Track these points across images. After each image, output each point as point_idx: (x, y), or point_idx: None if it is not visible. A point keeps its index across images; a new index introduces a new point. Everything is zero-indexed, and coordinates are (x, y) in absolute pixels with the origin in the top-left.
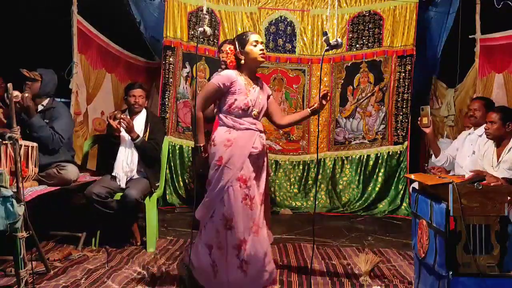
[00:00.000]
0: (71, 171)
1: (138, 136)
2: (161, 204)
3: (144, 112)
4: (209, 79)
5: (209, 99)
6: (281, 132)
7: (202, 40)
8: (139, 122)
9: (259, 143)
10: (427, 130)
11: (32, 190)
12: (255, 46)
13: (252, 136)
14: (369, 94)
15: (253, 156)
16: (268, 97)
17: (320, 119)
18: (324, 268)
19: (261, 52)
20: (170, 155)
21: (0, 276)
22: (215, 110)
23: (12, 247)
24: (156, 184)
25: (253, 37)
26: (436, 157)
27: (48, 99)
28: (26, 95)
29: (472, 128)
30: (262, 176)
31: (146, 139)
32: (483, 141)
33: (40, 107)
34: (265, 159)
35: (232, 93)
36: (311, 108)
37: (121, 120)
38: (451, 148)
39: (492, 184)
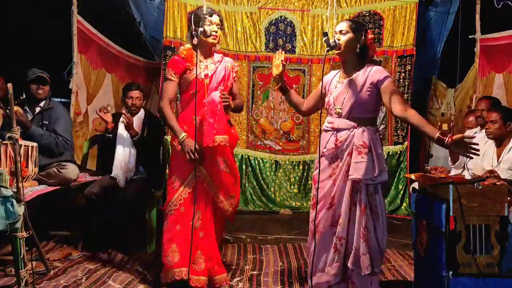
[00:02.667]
0: (71, 170)
1: (137, 133)
2: (161, 204)
3: (142, 113)
4: None
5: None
6: (281, 132)
7: None
8: (138, 123)
9: (331, 143)
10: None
11: (32, 190)
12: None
13: (326, 137)
14: None
15: (326, 157)
16: (373, 85)
17: (320, 119)
18: None
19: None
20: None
21: (0, 276)
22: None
23: (12, 247)
24: (156, 184)
25: (335, 28)
26: (454, 163)
27: (45, 99)
28: (15, 109)
29: (479, 127)
30: (334, 178)
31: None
32: (483, 141)
33: (37, 109)
34: (344, 158)
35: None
36: None
37: (122, 115)
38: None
39: (498, 183)
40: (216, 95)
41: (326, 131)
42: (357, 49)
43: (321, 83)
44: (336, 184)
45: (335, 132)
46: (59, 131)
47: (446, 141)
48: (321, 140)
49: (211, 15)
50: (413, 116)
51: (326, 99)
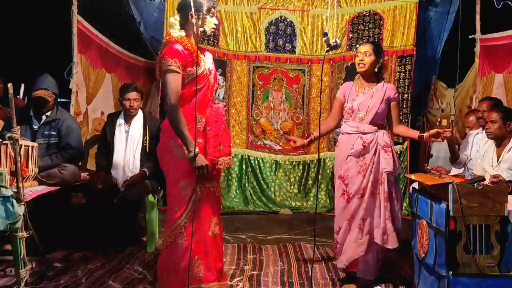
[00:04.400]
0: (72, 172)
1: (142, 174)
2: (161, 204)
3: (140, 114)
4: None
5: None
6: (281, 132)
7: (202, 40)
8: (137, 125)
9: (359, 144)
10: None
11: (32, 190)
12: (357, 56)
13: (351, 138)
14: None
15: (354, 155)
16: (388, 99)
17: (320, 119)
18: (324, 268)
19: (359, 61)
20: None
21: (0, 276)
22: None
23: (12, 247)
24: (157, 186)
25: (359, 49)
26: (454, 161)
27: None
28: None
29: (480, 128)
30: (363, 174)
31: (146, 141)
32: (483, 141)
33: (44, 117)
34: (371, 156)
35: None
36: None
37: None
38: (465, 148)
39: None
40: (220, 109)
41: (350, 133)
42: (376, 69)
43: (339, 94)
44: (365, 178)
45: (361, 134)
46: (73, 144)
47: (424, 136)
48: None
49: (213, 14)
50: (400, 129)
51: (349, 105)
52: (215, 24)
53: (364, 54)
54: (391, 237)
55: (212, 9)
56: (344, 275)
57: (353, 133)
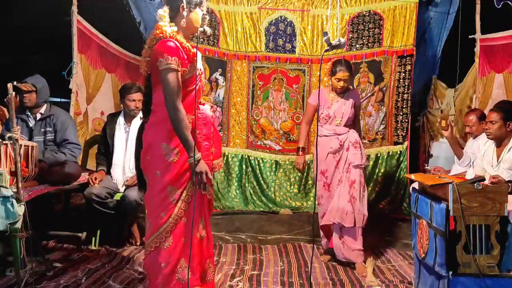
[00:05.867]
0: (74, 168)
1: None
2: None
3: (141, 114)
4: (209, 79)
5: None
6: (281, 132)
7: (202, 40)
8: (137, 125)
9: (337, 144)
10: (445, 133)
11: (32, 190)
12: (338, 81)
13: (329, 140)
14: (369, 94)
15: (331, 153)
16: (354, 105)
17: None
18: (324, 268)
19: (340, 86)
20: None
21: (0, 276)
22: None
23: (12, 247)
24: None
25: (337, 72)
26: (459, 159)
27: (45, 105)
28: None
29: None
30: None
31: None
32: (483, 141)
33: (38, 115)
34: (344, 152)
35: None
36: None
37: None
38: (474, 147)
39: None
40: (208, 110)
41: (328, 136)
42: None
43: (312, 101)
44: (339, 169)
45: (337, 135)
46: (71, 139)
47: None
48: (316, 142)
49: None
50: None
51: (325, 112)
52: (208, 20)
53: (344, 81)
54: (349, 217)
55: (203, 2)
56: (325, 249)
57: (331, 135)
